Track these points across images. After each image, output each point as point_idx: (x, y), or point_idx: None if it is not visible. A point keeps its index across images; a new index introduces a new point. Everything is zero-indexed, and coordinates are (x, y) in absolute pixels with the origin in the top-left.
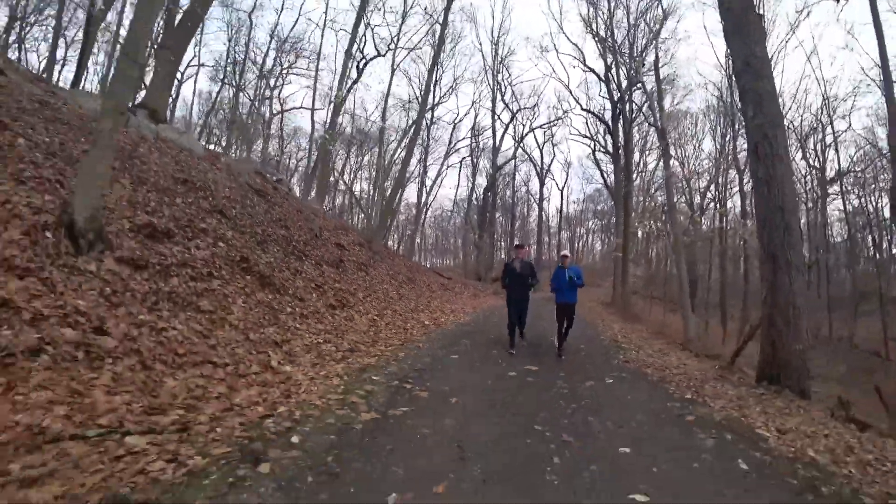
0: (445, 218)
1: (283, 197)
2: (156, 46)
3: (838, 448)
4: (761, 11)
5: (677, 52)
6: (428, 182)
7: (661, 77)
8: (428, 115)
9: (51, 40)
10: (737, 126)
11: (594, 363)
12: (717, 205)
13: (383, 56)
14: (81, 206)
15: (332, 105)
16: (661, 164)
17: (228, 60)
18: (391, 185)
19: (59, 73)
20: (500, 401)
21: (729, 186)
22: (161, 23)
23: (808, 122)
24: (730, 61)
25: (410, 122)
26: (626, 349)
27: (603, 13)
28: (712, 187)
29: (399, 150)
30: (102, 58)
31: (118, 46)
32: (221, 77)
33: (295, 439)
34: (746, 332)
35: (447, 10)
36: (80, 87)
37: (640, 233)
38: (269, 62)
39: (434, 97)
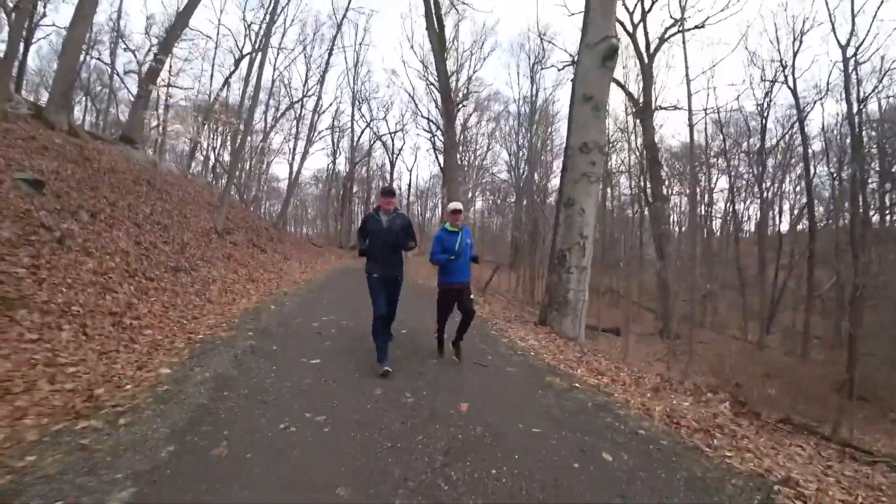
0: (304, 190)
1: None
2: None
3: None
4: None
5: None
6: (295, 163)
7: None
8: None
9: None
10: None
11: None
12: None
13: (256, 51)
14: (220, 223)
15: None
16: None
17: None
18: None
19: None
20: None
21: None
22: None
23: None
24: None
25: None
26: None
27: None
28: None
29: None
30: None
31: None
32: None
33: (296, 288)
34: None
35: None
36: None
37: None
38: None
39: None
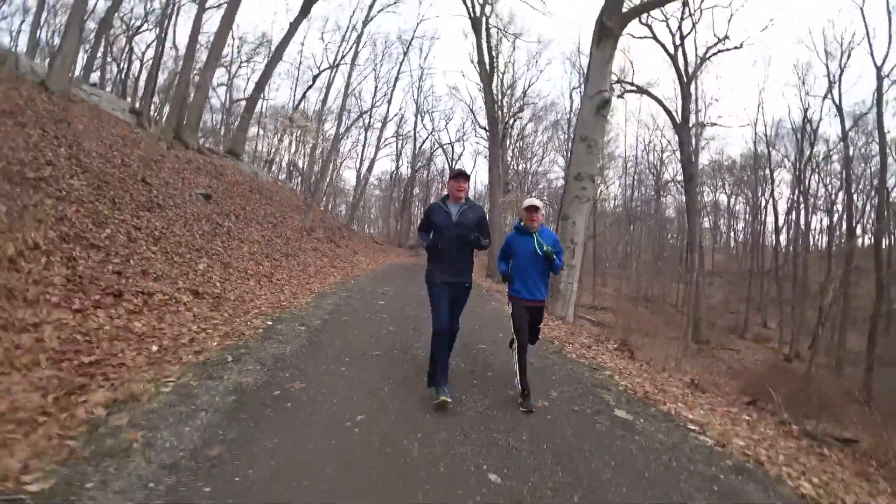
0: (368, 191)
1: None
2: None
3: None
4: None
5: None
6: (363, 169)
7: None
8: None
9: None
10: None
11: None
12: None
13: (334, 68)
14: (308, 223)
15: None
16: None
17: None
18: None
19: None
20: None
21: None
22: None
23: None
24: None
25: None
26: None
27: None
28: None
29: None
30: None
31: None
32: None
33: (365, 273)
34: None
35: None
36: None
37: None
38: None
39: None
